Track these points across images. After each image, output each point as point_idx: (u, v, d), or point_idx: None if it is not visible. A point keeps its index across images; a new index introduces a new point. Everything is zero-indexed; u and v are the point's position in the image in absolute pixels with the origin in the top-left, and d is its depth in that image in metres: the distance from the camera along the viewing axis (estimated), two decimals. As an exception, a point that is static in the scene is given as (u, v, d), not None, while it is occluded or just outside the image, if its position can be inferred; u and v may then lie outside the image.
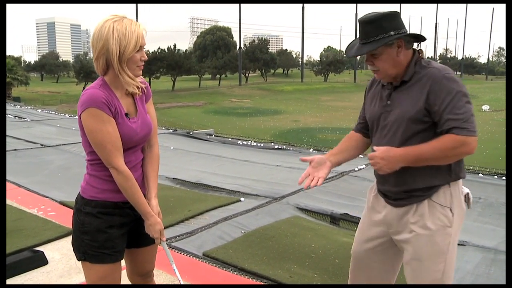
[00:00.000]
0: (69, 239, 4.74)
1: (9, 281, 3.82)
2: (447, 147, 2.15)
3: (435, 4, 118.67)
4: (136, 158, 2.36)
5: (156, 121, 2.46)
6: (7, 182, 6.91)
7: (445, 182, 2.32)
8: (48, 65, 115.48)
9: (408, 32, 2.26)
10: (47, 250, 4.41)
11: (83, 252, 2.30)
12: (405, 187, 2.36)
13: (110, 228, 2.29)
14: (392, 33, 2.21)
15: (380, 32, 2.21)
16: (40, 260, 4.17)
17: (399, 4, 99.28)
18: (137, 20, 2.23)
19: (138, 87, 2.29)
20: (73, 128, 14.81)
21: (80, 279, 3.86)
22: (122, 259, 2.40)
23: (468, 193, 2.43)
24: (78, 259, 2.35)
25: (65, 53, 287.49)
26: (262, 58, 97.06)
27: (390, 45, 2.24)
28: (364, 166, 8.54)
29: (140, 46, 2.21)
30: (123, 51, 2.15)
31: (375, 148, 2.29)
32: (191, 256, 4.38)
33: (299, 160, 2.59)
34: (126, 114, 2.26)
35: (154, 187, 2.41)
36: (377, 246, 2.56)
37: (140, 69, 2.27)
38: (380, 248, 2.56)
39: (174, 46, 76.85)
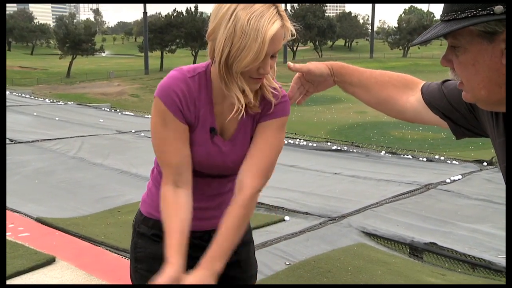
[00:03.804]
0: (47, 270, 4.79)
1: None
2: None
3: None
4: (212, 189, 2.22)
5: (274, 154, 2.13)
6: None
7: None
8: (18, 30, 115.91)
9: None
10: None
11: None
12: None
13: None
14: (497, 8, 1.31)
15: (472, 5, 1.36)
16: (6, 300, 4.18)
17: None
18: None
19: (243, 104, 1.97)
20: (56, 119, 15.00)
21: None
22: None
23: None
24: None
25: (43, 13, 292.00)
26: (316, 25, 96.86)
27: (489, 37, 1.37)
28: (460, 176, 8.40)
29: (266, 56, 1.88)
30: (233, 55, 1.85)
31: None
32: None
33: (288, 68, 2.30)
34: (212, 130, 2.07)
35: (220, 250, 2.01)
36: None
37: (256, 82, 1.98)
38: None
39: (196, 8, 77.56)
